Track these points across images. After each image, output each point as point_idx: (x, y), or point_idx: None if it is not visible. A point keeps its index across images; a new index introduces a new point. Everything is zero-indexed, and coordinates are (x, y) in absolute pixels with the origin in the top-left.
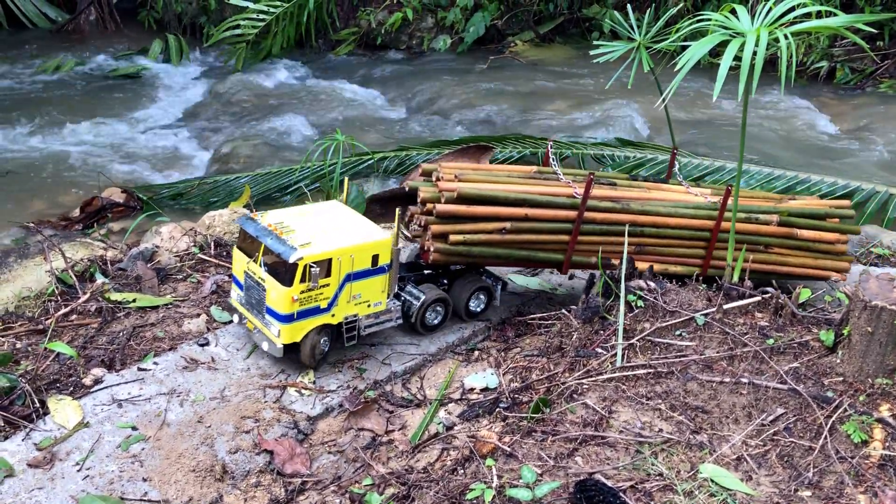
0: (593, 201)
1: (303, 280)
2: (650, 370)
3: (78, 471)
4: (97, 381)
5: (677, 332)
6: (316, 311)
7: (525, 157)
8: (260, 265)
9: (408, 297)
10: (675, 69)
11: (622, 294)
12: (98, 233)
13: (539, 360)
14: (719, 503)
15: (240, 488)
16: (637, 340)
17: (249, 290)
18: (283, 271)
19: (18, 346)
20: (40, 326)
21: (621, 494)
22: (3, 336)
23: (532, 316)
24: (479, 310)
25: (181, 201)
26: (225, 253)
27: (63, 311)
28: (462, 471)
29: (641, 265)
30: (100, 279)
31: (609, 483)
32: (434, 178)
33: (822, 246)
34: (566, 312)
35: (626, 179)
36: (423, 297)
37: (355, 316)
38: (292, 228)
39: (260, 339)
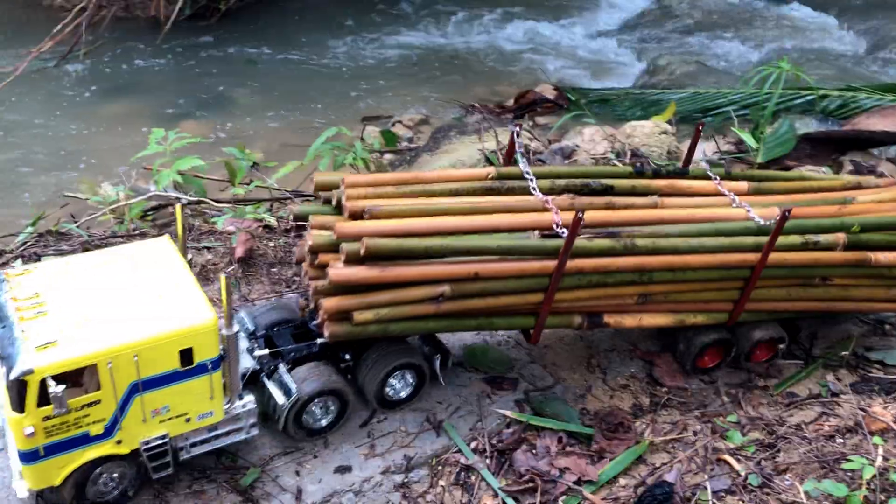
0: (581, 241)
1: (43, 403)
2: None
3: None
4: None
5: None
6: (84, 439)
7: None
8: None
9: (273, 389)
10: None
11: None
12: (526, 124)
13: None
14: None
15: (608, 385)
16: None
17: None
18: (10, 386)
19: None
20: None
21: None
22: None
23: None
24: (402, 396)
25: (608, 107)
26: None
27: None
28: (841, 440)
29: (637, 320)
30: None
31: None
32: (335, 201)
33: None
34: None
35: (626, 177)
36: (293, 394)
37: (164, 437)
38: (46, 305)
39: (17, 471)
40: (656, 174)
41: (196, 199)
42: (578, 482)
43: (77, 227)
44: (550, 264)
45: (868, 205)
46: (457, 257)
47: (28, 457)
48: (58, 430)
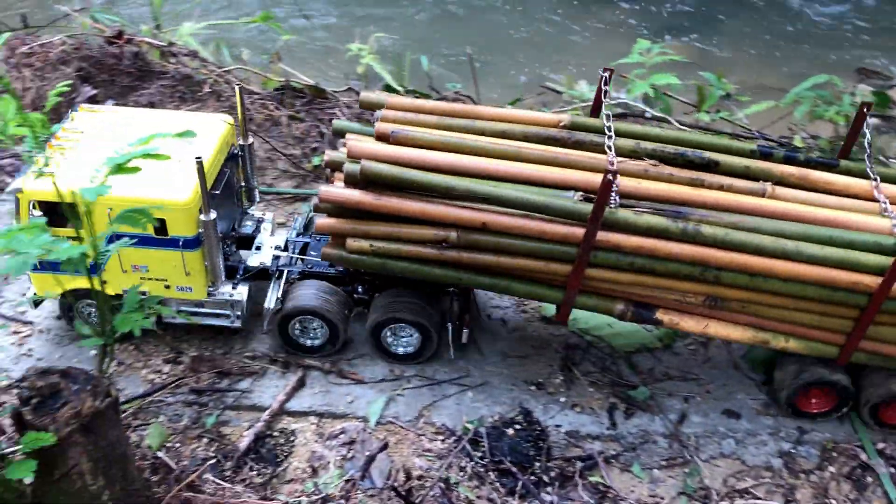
0: (623, 214)
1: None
2: None
3: None
4: None
5: None
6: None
7: None
8: None
9: (270, 291)
10: None
11: None
12: None
13: None
14: None
15: None
16: None
17: None
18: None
19: None
20: None
21: None
22: None
23: None
24: (400, 352)
25: None
26: None
27: None
28: None
29: (701, 325)
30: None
31: None
32: (375, 121)
33: None
34: None
35: (743, 155)
36: (274, 303)
37: (144, 294)
38: (77, 143)
39: None
40: (788, 160)
41: (659, 115)
42: None
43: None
44: (579, 232)
45: None
46: (473, 203)
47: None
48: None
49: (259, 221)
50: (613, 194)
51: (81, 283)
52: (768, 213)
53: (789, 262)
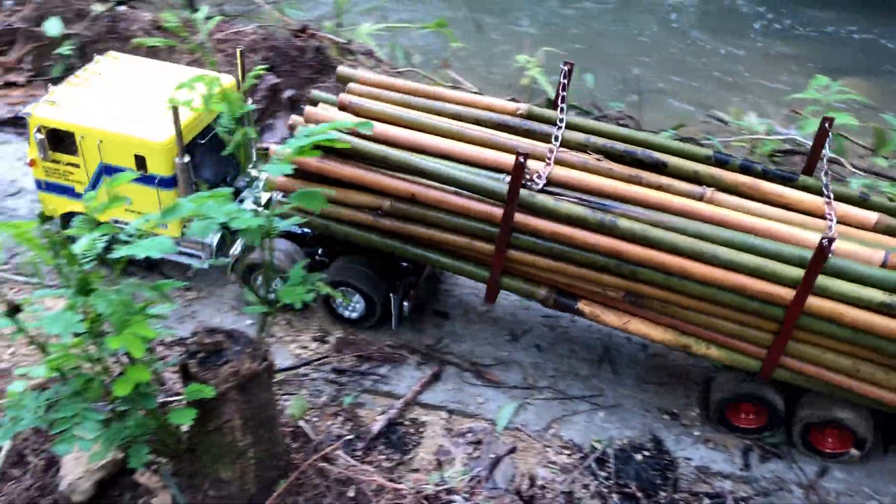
0: (543, 199)
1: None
2: None
3: None
4: None
5: None
6: (68, 191)
7: None
8: None
9: (238, 240)
10: None
11: None
12: None
13: None
14: None
15: None
16: None
17: None
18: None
19: None
20: None
21: None
22: None
23: None
24: (346, 314)
25: None
26: None
27: None
28: None
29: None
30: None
31: None
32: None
33: None
34: None
35: (697, 160)
36: (238, 250)
37: (128, 224)
38: (92, 82)
39: None
40: (745, 169)
41: (832, 156)
42: None
43: (716, 142)
44: (499, 212)
45: None
46: (407, 174)
47: (37, 185)
48: (52, 173)
49: (254, 179)
50: (539, 179)
51: (73, 206)
52: (695, 216)
53: (705, 264)
